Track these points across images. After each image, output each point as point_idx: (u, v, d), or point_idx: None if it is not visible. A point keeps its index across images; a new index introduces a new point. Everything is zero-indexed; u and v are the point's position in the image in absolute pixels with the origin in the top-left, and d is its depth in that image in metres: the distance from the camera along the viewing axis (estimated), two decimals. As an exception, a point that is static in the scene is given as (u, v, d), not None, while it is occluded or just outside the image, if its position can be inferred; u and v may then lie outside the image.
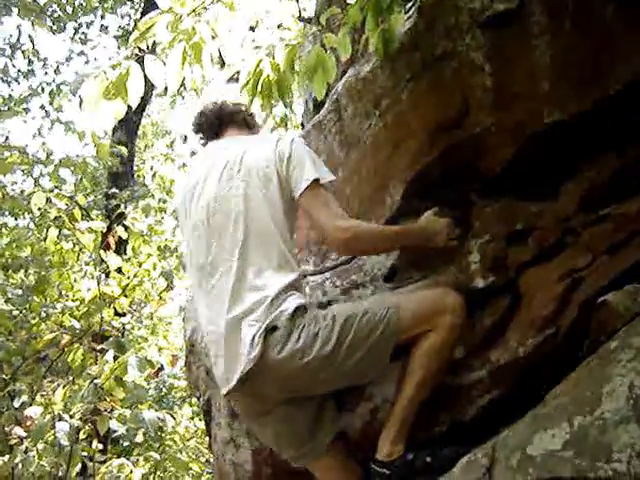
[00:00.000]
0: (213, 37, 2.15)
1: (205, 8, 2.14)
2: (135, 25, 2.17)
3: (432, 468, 2.32)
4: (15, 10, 8.97)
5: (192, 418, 8.59)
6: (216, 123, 2.61)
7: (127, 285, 5.62)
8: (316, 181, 2.40)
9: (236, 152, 2.49)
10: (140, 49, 2.16)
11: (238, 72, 2.21)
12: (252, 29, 2.44)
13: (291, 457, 2.56)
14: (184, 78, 2.22)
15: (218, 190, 2.47)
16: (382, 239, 2.49)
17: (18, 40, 10.35)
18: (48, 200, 5.60)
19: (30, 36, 9.79)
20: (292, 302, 2.32)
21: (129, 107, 2.26)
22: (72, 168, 6.46)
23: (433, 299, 2.46)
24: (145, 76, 2.20)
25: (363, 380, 2.55)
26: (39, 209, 5.67)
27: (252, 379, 2.29)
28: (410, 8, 2.71)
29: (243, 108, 2.55)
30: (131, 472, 5.30)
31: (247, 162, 2.46)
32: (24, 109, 11.40)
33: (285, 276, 2.37)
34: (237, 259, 2.38)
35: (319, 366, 2.30)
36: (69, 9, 10.25)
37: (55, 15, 10.96)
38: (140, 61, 2.16)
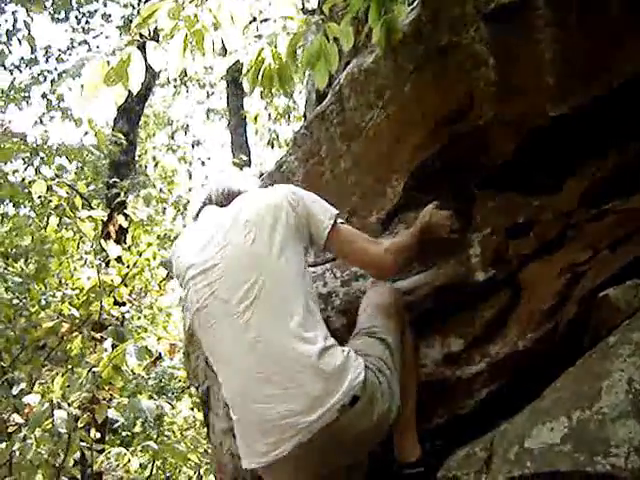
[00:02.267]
0: (215, 25, 2.14)
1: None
2: (138, 13, 2.16)
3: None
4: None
5: (192, 409, 8.60)
6: (221, 203, 2.50)
7: (127, 274, 5.62)
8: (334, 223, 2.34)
9: (239, 206, 2.39)
10: (142, 35, 2.16)
11: (239, 61, 2.20)
12: (254, 19, 2.42)
13: None
14: (185, 65, 2.21)
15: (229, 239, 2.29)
16: (413, 245, 2.45)
17: (14, 27, 10.29)
18: (49, 188, 5.59)
19: (25, 22, 9.71)
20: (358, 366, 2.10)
21: (131, 96, 2.24)
22: (70, 156, 6.44)
23: (396, 320, 2.41)
24: (147, 65, 2.20)
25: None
26: (39, 197, 5.66)
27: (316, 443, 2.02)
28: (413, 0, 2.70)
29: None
30: (129, 461, 5.31)
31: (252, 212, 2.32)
32: (25, 97, 11.37)
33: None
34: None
35: (382, 420, 2.13)
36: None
37: (58, 3, 10.92)
38: (142, 48, 2.15)
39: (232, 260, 2.22)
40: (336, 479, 2.20)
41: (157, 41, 2.15)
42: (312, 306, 2.19)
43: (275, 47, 2.11)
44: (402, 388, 2.30)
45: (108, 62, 2.07)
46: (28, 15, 9.59)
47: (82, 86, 2.03)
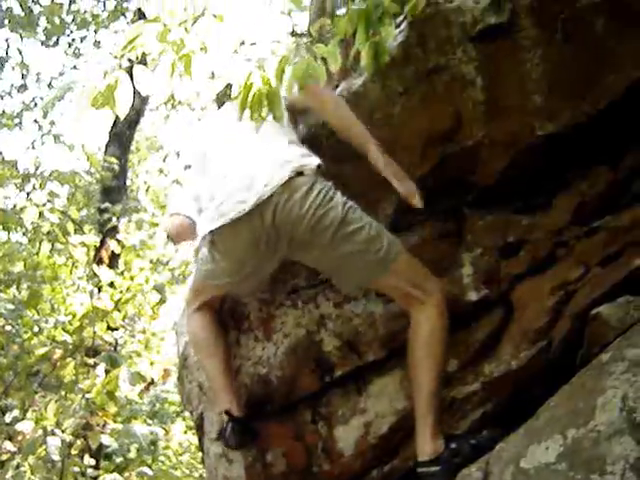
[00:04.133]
0: (202, 49, 2.16)
1: (195, 20, 2.14)
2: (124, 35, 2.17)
3: (479, 448, 2.26)
4: (4, 23, 8.97)
5: (185, 432, 8.54)
6: None
7: (120, 299, 5.60)
8: None
9: None
10: (130, 60, 2.16)
11: (229, 84, 2.21)
12: (243, 43, 2.44)
13: None
14: (173, 90, 2.22)
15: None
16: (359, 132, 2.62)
17: (7, 53, 10.33)
18: (41, 214, 5.58)
19: (19, 49, 9.78)
20: (315, 160, 2.52)
21: (121, 121, 2.25)
22: (62, 181, 6.44)
23: (428, 273, 2.48)
24: (136, 90, 2.20)
25: (335, 280, 2.65)
26: (31, 223, 5.65)
27: (264, 209, 2.43)
28: (401, 22, 2.71)
29: None
30: (124, 488, 5.27)
31: None
32: (17, 124, 11.37)
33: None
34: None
35: (322, 229, 2.42)
36: (56, 19, 10.21)
37: (48, 30, 10.95)
38: (130, 72, 2.16)
39: None
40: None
41: (145, 65, 2.15)
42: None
43: (264, 71, 2.12)
44: (415, 380, 2.39)
45: (96, 86, 2.08)
46: (22, 41, 9.63)
47: (74, 111, 2.05)
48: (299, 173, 2.47)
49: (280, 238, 2.48)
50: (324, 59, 2.21)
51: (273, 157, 2.53)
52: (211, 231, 2.52)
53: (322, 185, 2.48)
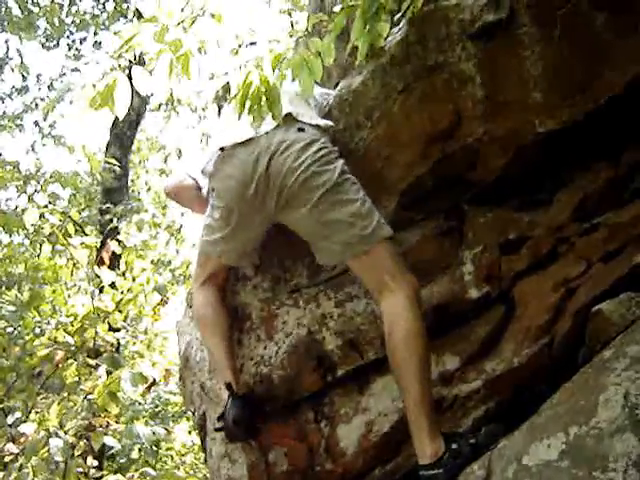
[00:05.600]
0: (200, 49, 2.16)
1: (193, 20, 2.14)
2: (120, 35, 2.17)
3: (479, 447, 2.22)
4: (4, 25, 8.97)
5: (189, 433, 8.55)
6: None
7: (121, 300, 5.60)
8: None
9: None
10: (130, 61, 2.17)
11: (227, 84, 2.21)
12: (241, 44, 2.44)
13: None
14: (172, 89, 2.22)
15: None
16: None
17: (6, 55, 10.35)
18: (42, 216, 5.58)
19: (19, 50, 9.80)
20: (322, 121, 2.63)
21: (122, 122, 2.25)
22: (62, 182, 6.45)
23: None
24: (136, 91, 2.21)
25: (314, 248, 2.64)
26: (32, 225, 5.65)
27: (262, 153, 2.51)
28: (400, 20, 2.71)
29: None
30: (127, 488, 5.27)
31: None
32: (17, 125, 11.39)
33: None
34: None
35: (312, 187, 2.46)
36: (56, 20, 10.22)
37: (48, 32, 10.97)
38: (129, 72, 2.16)
39: None
40: None
41: (143, 65, 2.16)
42: None
43: (262, 70, 2.12)
44: (401, 384, 2.33)
45: (94, 87, 2.09)
46: (21, 43, 9.67)
47: (73, 112, 2.06)
48: (300, 129, 2.54)
49: (269, 190, 2.52)
50: (320, 53, 2.22)
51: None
52: (215, 163, 2.63)
53: (324, 146, 2.53)
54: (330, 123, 2.64)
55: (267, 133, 2.52)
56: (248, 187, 2.53)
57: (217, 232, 2.71)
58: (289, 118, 2.57)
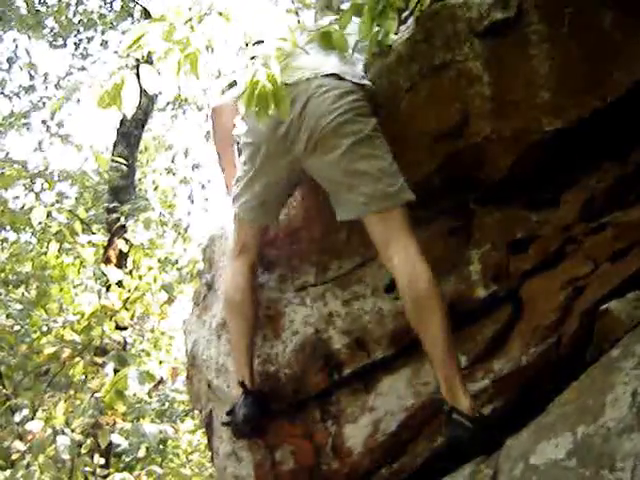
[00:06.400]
0: (208, 48, 2.16)
1: (200, 19, 2.14)
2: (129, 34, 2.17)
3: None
4: (12, 24, 9.01)
5: (194, 431, 8.56)
6: None
7: (128, 298, 5.62)
8: None
9: None
10: (137, 59, 2.17)
11: (234, 82, 2.21)
12: (248, 42, 2.44)
13: None
14: (180, 88, 2.23)
15: None
16: None
17: (15, 54, 10.40)
18: (49, 214, 5.60)
19: (27, 50, 9.86)
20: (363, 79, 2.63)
21: (129, 121, 2.26)
22: (70, 181, 6.46)
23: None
24: (143, 89, 2.21)
25: (335, 200, 2.60)
26: (39, 223, 5.67)
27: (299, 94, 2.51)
28: (407, 18, 2.71)
29: None
30: (133, 486, 5.27)
31: None
32: (25, 124, 11.42)
33: None
34: None
35: (343, 133, 2.46)
36: (63, 19, 10.26)
37: (55, 31, 11.00)
38: (136, 71, 2.17)
39: None
40: None
41: (151, 64, 2.16)
42: None
43: (269, 68, 2.12)
44: (428, 331, 2.33)
45: (102, 86, 2.09)
46: (29, 42, 9.71)
47: (81, 111, 2.08)
48: (341, 78, 2.53)
49: (301, 132, 2.50)
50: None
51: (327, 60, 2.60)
52: None
53: (361, 98, 2.53)
54: (369, 83, 2.63)
55: (308, 79, 2.49)
56: (280, 126, 2.50)
57: (242, 180, 2.71)
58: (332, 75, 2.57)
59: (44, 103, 11.27)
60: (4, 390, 5.49)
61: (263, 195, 2.70)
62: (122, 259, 6.29)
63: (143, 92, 2.23)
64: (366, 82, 2.62)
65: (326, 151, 2.49)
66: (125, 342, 5.68)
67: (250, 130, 2.66)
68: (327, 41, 2.52)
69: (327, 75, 2.53)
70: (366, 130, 2.47)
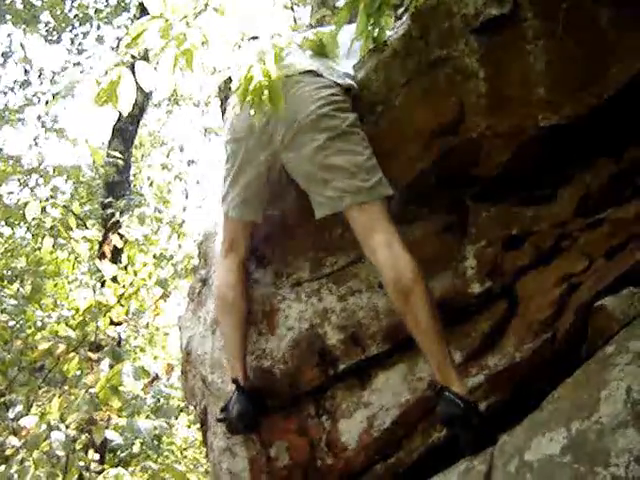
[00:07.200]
0: (204, 43, 2.16)
1: (196, 15, 2.13)
2: (127, 32, 2.17)
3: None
4: (7, 18, 8.98)
5: (189, 427, 8.56)
6: None
7: (122, 294, 5.61)
8: None
9: None
10: (133, 56, 2.16)
11: (229, 78, 2.21)
12: (244, 38, 2.44)
13: None
14: (176, 84, 2.22)
15: None
16: None
17: (10, 48, 10.37)
18: (43, 209, 5.59)
19: (22, 44, 9.83)
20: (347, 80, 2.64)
21: (125, 117, 2.26)
22: (65, 176, 6.45)
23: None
24: (139, 86, 2.20)
25: (312, 194, 2.60)
26: (34, 219, 5.66)
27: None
28: (403, 13, 2.70)
29: None
30: (128, 482, 5.27)
31: None
32: (20, 119, 11.39)
33: None
34: None
35: (321, 127, 2.47)
36: (58, 13, 10.23)
37: (50, 25, 10.97)
38: (132, 68, 2.16)
39: None
40: None
41: (147, 61, 2.15)
42: None
43: (264, 64, 2.11)
44: (418, 324, 2.35)
45: (99, 82, 2.08)
46: (24, 36, 9.68)
47: (77, 107, 2.07)
48: (318, 75, 2.56)
49: (278, 124, 2.52)
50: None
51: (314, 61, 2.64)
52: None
53: (339, 93, 2.55)
54: (352, 82, 2.64)
55: (286, 76, 2.47)
56: (259, 121, 2.50)
57: (227, 179, 2.72)
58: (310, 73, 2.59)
59: (39, 98, 11.24)
60: (-1, 385, 5.48)
61: (246, 191, 2.71)
62: (117, 255, 6.28)
63: (138, 88, 2.23)
64: (348, 81, 2.63)
65: (303, 144, 2.50)
66: (120, 338, 5.67)
67: (232, 128, 2.67)
68: (320, 48, 2.55)
69: (305, 72, 2.56)
70: (343, 125, 2.49)
